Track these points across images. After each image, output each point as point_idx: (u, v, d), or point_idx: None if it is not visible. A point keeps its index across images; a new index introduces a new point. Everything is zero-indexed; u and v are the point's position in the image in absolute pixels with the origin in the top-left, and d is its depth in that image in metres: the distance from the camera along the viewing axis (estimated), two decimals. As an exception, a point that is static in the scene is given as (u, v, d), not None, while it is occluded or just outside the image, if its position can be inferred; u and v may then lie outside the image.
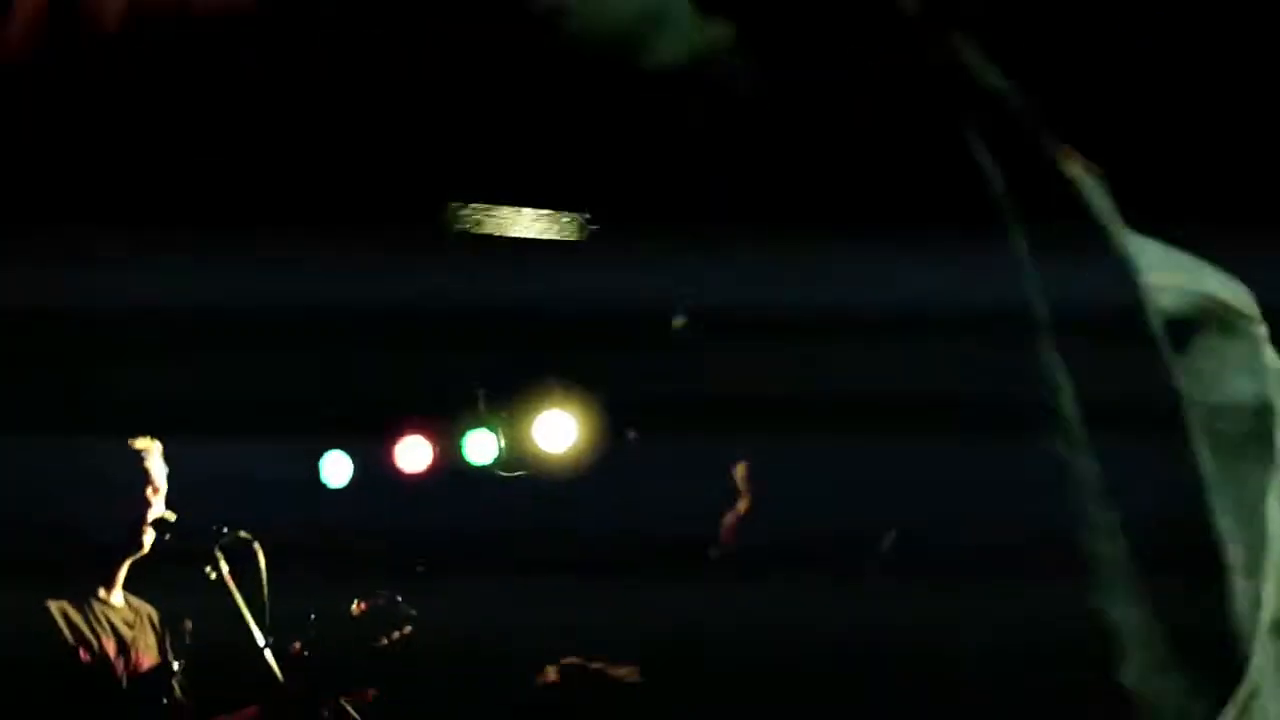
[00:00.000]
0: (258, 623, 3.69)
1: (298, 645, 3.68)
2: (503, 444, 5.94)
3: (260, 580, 3.73)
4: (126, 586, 3.76)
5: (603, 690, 3.95)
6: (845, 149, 1.05)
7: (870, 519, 1.21)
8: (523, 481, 5.85)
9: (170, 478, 3.77)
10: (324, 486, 6.02)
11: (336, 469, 6.09)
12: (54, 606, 3.58)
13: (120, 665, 3.60)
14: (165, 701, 3.51)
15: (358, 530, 5.75)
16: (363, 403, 5.87)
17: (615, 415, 5.50)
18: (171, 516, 3.72)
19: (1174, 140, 3.90)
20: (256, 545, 3.75)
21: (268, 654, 3.63)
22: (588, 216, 4.39)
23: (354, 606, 3.82)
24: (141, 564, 3.76)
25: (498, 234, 4.60)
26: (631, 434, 5.34)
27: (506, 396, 5.88)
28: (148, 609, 3.80)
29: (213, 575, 3.70)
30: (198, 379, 5.26)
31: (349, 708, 3.68)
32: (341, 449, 6.14)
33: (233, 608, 3.69)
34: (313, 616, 3.74)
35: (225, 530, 3.74)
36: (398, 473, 6.14)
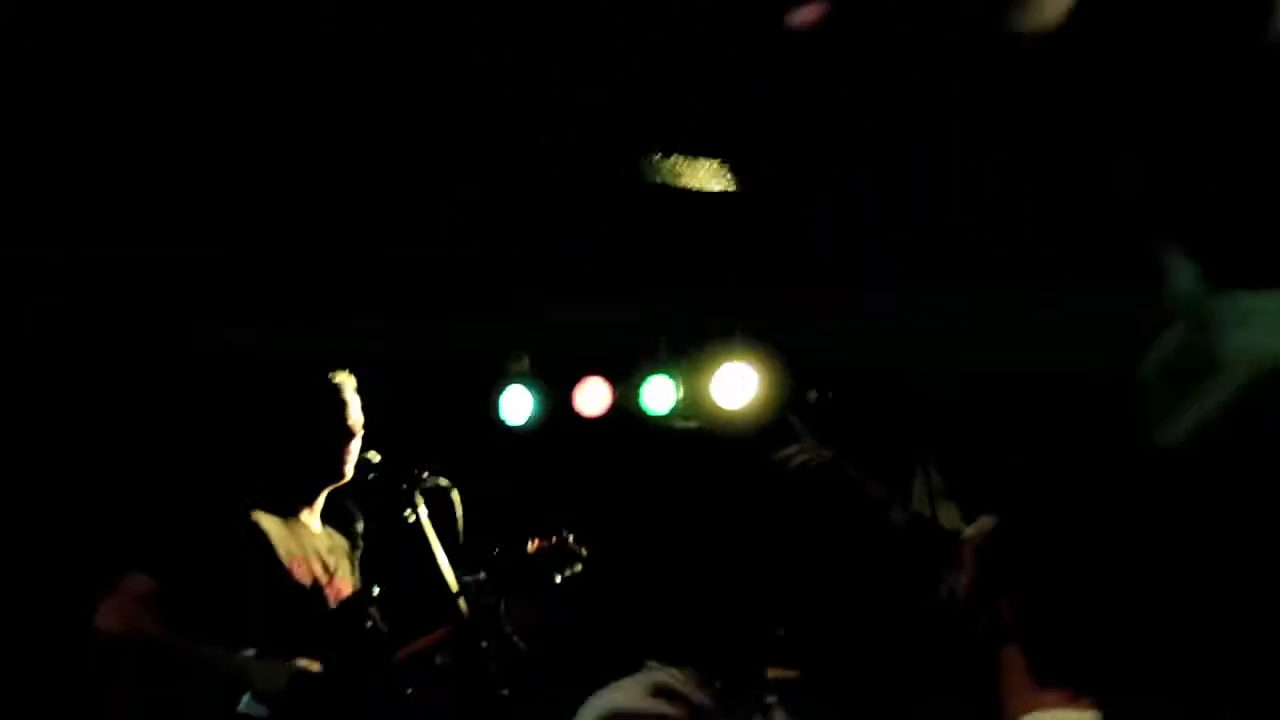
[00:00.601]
0: (445, 557, 3.89)
1: (481, 577, 3.85)
2: (681, 393, 5.80)
3: (454, 519, 3.91)
4: (323, 517, 3.95)
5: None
6: None
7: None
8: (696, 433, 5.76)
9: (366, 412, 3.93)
10: (506, 424, 6.11)
11: (519, 406, 6.18)
12: (264, 520, 3.76)
13: (328, 589, 3.81)
14: (366, 626, 3.70)
15: (535, 469, 5.82)
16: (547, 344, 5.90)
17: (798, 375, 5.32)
18: (375, 457, 3.92)
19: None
20: (452, 490, 3.95)
21: (457, 587, 3.83)
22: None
23: (531, 544, 3.99)
24: (338, 495, 3.96)
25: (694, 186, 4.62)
26: (812, 395, 5.20)
27: (689, 346, 5.71)
28: (341, 538, 3.98)
29: (411, 518, 3.91)
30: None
31: (520, 640, 3.82)
32: (525, 386, 6.20)
33: (423, 543, 3.89)
34: (495, 552, 3.91)
35: (423, 474, 3.94)
36: (577, 414, 6.20)
